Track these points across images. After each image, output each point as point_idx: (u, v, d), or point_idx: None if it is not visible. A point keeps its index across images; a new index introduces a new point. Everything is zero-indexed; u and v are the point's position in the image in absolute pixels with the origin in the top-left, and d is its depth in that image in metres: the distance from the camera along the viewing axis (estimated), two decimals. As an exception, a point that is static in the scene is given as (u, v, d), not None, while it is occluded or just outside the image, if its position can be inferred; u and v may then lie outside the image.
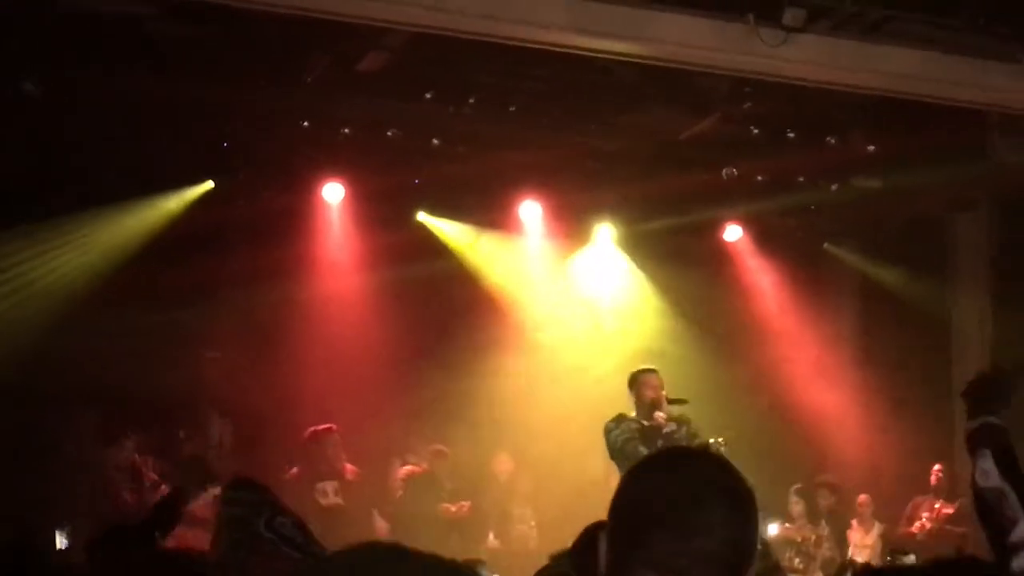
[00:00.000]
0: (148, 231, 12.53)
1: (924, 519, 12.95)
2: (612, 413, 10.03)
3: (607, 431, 9.85)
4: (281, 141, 12.23)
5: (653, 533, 2.09)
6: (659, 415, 9.73)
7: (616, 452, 9.76)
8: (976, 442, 3.40)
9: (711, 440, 9.92)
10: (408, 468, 12.87)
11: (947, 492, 12.95)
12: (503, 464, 13.39)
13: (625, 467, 9.67)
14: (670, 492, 2.12)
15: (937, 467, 13.10)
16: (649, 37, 9.50)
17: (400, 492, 12.70)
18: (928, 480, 13.18)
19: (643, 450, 9.62)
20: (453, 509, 12.59)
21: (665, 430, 9.80)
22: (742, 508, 2.13)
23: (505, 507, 13.13)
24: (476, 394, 13.85)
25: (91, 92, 10.89)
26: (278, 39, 10.45)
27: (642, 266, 15.12)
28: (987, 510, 3.31)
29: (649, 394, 9.81)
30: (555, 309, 14.98)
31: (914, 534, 12.75)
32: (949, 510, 12.83)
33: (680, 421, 9.93)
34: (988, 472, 3.34)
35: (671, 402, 9.86)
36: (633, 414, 9.93)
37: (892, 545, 12.02)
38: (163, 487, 10.63)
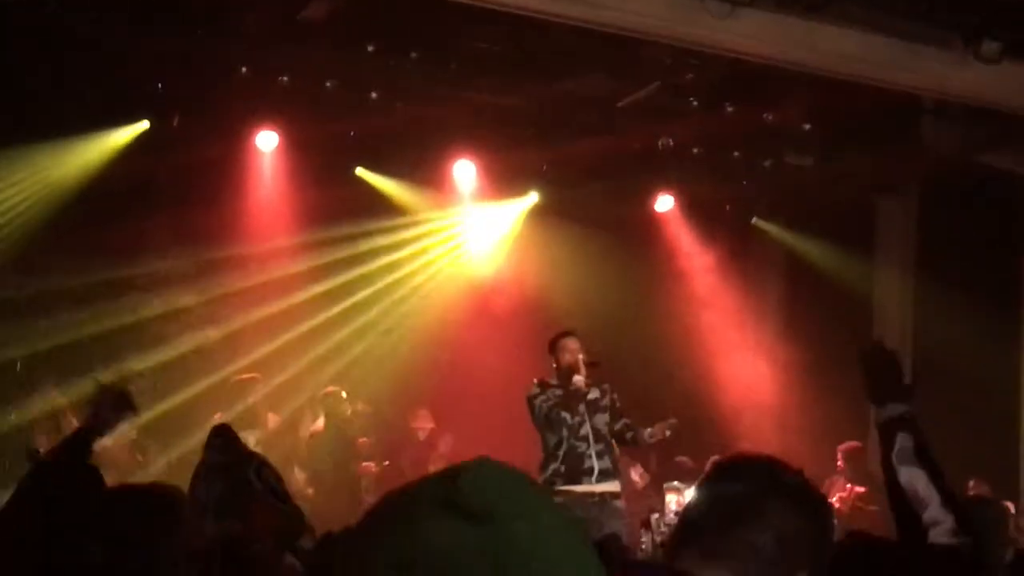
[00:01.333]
0: (80, 175, 12.32)
1: (836, 499, 13.10)
2: (532, 378, 10.07)
3: (531, 398, 9.90)
4: (217, 87, 12.06)
5: (705, 526, 2.16)
6: (578, 379, 9.74)
7: (541, 419, 9.80)
8: (893, 428, 3.46)
9: (670, 422, 9.99)
10: (315, 428, 12.66)
11: (858, 472, 13.10)
12: (422, 421, 13.36)
13: (551, 434, 9.73)
14: (731, 494, 2.19)
15: (842, 448, 13.21)
16: (597, 3, 9.49)
17: (307, 449, 12.50)
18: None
19: (566, 416, 9.70)
20: (374, 468, 12.49)
21: (589, 396, 9.86)
22: (802, 505, 2.18)
23: (424, 467, 13.09)
24: (401, 350, 13.85)
25: (18, 24, 10.65)
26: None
27: (571, 232, 15.13)
28: (899, 492, 3.39)
29: (567, 358, 9.83)
30: (481, 272, 14.98)
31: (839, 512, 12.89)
32: (861, 489, 12.98)
33: (601, 387, 9.98)
34: (904, 454, 3.41)
35: (588, 365, 9.86)
36: (554, 380, 9.96)
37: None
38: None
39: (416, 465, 12.93)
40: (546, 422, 9.74)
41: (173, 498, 3.69)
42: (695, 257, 15.44)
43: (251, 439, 11.60)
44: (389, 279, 14.22)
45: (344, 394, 12.55)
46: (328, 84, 12.07)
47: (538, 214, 14.85)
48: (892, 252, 15.20)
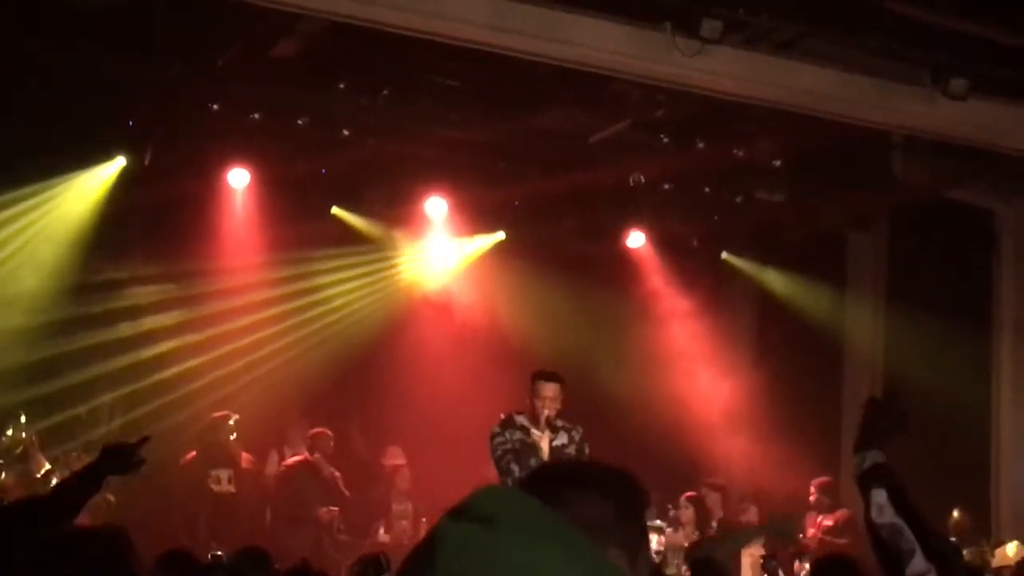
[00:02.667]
0: (66, 216, 12.36)
1: (811, 532, 13.10)
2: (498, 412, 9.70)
3: (492, 436, 9.26)
4: (189, 123, 12.06)
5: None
6: (536, 434, 9.13)
7: (494, 462, 9.27)
8: (868, 482, 3.48)
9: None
10: (287, 463, 12.52)
11: (828, 505, 13.12)
12: (393, 459, 13.31)
13: (502, 478, 9.43)
14: (534, 489, 2.14)
15: (816, 482, 13.24)
16: (566, 39, 9.53)
17: (275, 487, 12.34)
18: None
19: (515, 468, 9.05)
20: (324, 514, 12.18)
21: (555, 443, 9.21)
22: (601, 491, 2.18)
23: (388, 503, 13.02)
24: (375, 388, 13.84)
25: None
26: (192, 19, 10.32)
27: (542, 268, 15.14)
28: (883, 545, 3.41)
29: (540, 405, 9.12)
30: (454, 306, 14.98)
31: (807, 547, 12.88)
32: (829, 522, 12.99)
33: (570, 432, 9.34)
34: (883, 508, 3.42)
35: (551, 427, 9.20)
36: (522, 419, 9.31)
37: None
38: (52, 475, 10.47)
39: (380, 501, 12.86)
40: (496, 467, 9.24)
41: (123, 540, 3.71)
42: (666, 293, 15.46)
43: (223, 476, 11.58)
44: (356, 315, 14.21)
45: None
46: (300, 121, 12.09)
47: (507, 250, 14.83)
48: (863, 285, 15.28)
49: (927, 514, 3.54)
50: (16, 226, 12.25)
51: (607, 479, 2.23)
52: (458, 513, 1.51)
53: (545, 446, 9.19)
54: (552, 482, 2.18)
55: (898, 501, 3.44)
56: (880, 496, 3.44)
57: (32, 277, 12.25)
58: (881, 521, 3.42)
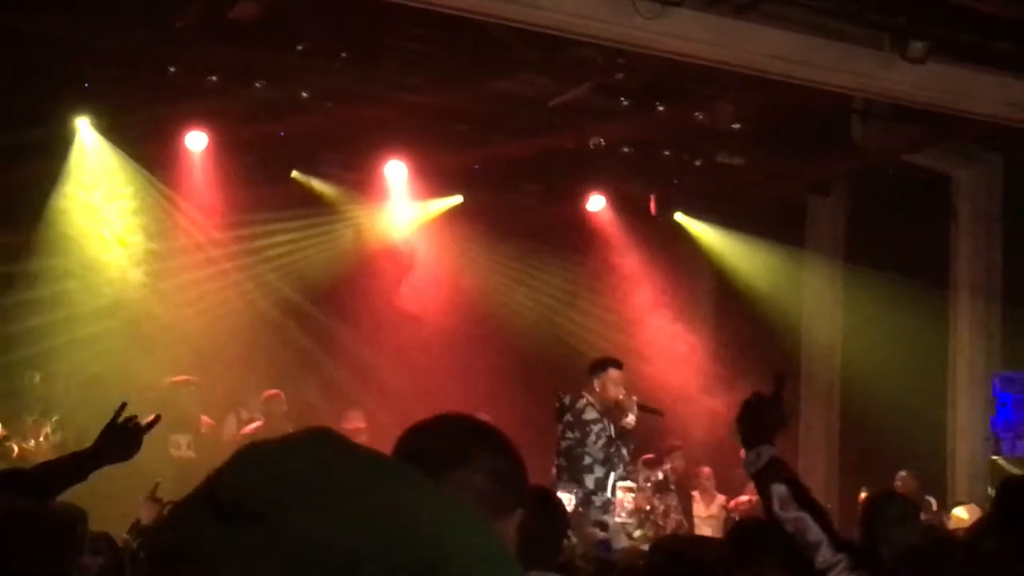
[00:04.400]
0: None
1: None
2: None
3: (589, 421, 9.61)
4: (147, 85, 11.95)
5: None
6: (630, 419, 9.62)
7: (594, 448, 9.59)
8: (766, 477, 3.52)
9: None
10: (244, 430, 12.48)
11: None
12: (353, 422, 13.26)
13: (600, 467, 9.58)
14: (438, 438, 2.20)
15: None
16: (528, 2, 9.47)
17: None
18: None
19: (624, 452, 9.76)
20: None
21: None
22: (507, 451, 2.22)
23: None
24: (334, 351, 13.82)
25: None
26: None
27: (502, 232, 15.14)
28: (789, 538, 3.45)
29: (614, 392, 9.63)
30: (415, 274, 14.95)
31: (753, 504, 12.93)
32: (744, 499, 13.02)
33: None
34: (785, 502, 3.46)
35: (644, 410, 9.83)
36: (591, 399, 9.73)
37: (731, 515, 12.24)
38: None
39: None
40: (602, 454, 9.59)
41: (76, 518, 3.66)
42: (626, 256, 15.48)
43: (183, 441, 11.52)
44: (314, 279, 14.16)
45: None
46: (258, 84, 11.99)
47: (466, 214, 14.81)
48: (822, 249, 15.36)
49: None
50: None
51: (504, 439, 2.27)
52: (211, 509, 1.20)
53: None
54: (454, 436, 2.23)
55: (798, 495, 3.48)
56: (781, 490, 3.48)
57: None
58: (785, 515, 3.46)
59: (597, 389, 9.69)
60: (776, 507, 3.46)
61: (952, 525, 11.11)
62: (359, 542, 1.15)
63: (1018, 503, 3.84)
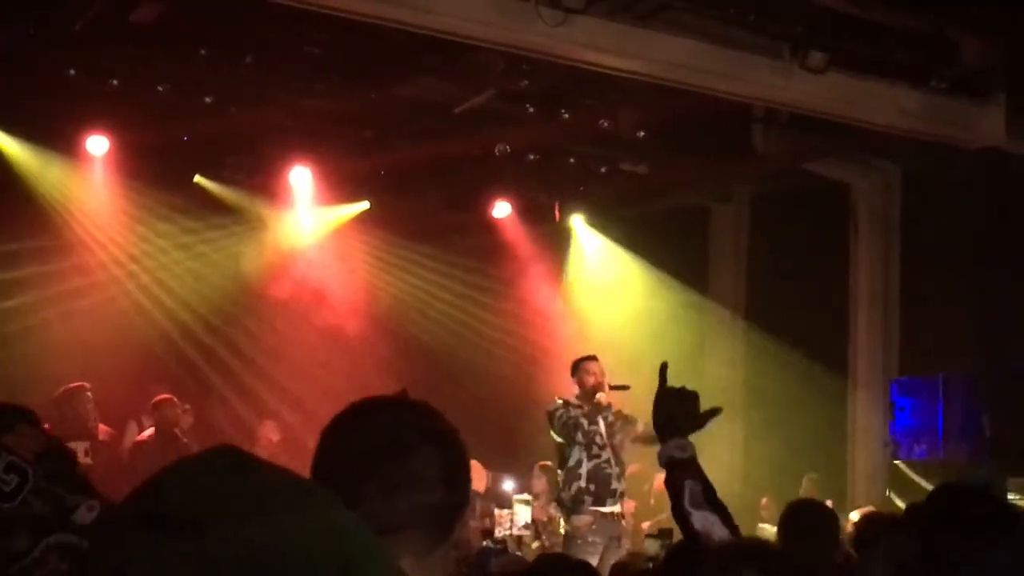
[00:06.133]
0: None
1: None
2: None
3: (552, 411, 10.02)
4: (46, 89, 11.78)
5: (361, 489, 1.99)
6: (600, 395, 9.91)
7: (560, 430, 9.94)
8: (680, 474, 3.54)
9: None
10: (140, 437, 12.29)
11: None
12: (268, 431, 13.14)
13: (570, 449, 9.82)
14: (375, 442, 2.04)
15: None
16: (429, 8, 9.48)
17: (129, 462, 12.10)
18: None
19: (584, 422, 9.90)
20: None
21: (609, 419, 10.03)
22: (452, 452, 2.08)
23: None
24: (238, 360, 13.72)
25: None
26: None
27: (408, 238, 15.15)
28: (694, 536, 3.48)
29: (590, 380, 9.97)
30: (331, 282, 14.91)
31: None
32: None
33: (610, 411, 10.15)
34: (696, 500, 3.49)
35: (613, 388, 10.01)
36: (575, 401, 10.06)
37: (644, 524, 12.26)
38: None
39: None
40: (563, 431, 9.88)
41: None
42: (531, 262, 15.55)
43: (80, 449, 11.32)
44: (223, 284, 14.06)
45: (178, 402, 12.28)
46: (160, 88, 11.86)
47: (372, 220, 14.80)
48: (725, 257, 15.52)
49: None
50: None
51: (450, 428, 2.15)
52: (145, 519, 1.22)
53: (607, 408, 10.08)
54: (398, 425, 2.09)
55: (710, 496, 3.52)
56: (695, 487, 3.51)
57: None
58: (696, 512, 3.49)
59: (577, 385, 10.05)
60: (687, 503, 3.47)
61: (848, 528, 11.27)
62: (288, 548, 1.18)
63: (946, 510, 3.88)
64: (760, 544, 3.24)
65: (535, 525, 10.84)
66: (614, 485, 9.97)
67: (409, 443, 2.04)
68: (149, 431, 11.95)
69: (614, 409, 10.07)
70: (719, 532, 3.45)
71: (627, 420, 10.08)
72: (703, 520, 3.46)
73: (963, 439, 12.29)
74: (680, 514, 3.50)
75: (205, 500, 1.21)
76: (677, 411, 3.62)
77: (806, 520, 5.80)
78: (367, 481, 1.99)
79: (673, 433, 3.58)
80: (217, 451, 1.31)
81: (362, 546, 1.25)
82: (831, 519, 5.96)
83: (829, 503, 11.52)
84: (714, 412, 3.63)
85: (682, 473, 3.52)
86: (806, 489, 12.50)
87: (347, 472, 2.01)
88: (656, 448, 3.60)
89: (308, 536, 1.20)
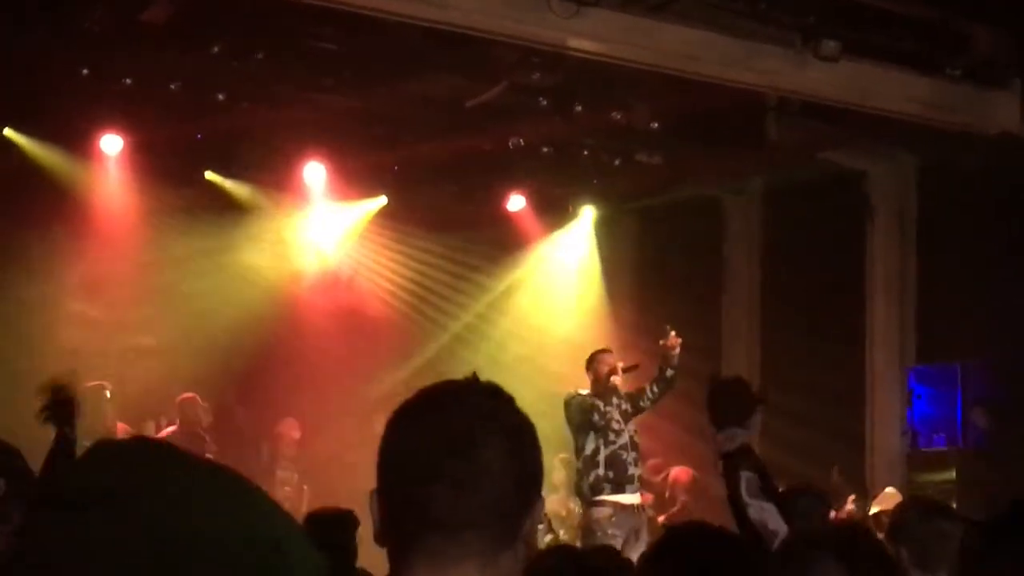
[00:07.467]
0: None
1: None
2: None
3: (568, 400, 10.19)
4: (59, 89, 11.80)
5: (429, 488, 1.89)
6: (615, 378, 10.09)
7: (575, 417, 10.10)
8: (735, 463, 3.52)
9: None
10: (162, 433, 12.32)
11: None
12: (288, 428, 13.16)
13: (584, 437, 9.98)
14: (442, 438, 1.91)
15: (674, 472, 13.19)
16: (439, 3, 9.49)
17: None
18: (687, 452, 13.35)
19: (599, 404, 10.09)
20: None
21: (622, 406, 10.21)
22: (523, 443, 1.96)
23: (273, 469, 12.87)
24: (259, 357, 13.75)
25: None
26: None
27: (424, 232, 15.16)
28: (750, 524, 3.46)
29: (604, 369, 10.15)
30: (338, 272, 14.94)
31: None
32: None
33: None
34: (752, 489, 3.47)
35: (626, 370, 10.21)
36: (590, 391, 10.21)
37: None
38: None
39: (265, 471, 12.75)
40: (581, 414, 10.03)
41: None
42: (547, 255, 15.56)
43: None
44: (241, 282, 14.07)
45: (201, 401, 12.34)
46: (173, 86, 11.87)
47: (390, 215, 14.81)
48: (739, 248, 15.48)
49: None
50: None
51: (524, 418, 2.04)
52: (51, 501, 1.23)
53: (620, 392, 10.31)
54: (465, 417, 1.94)
55: (766, 485, 3.49)
56: (750, 477, 3.49)
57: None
58: (752, 501, 3.47)
59: (591, 377, 10.22)
60: (744, 492, 3.46)
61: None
62: (213, 522, 1.18)
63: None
64: (849, 533, 3.02)
65: (547, 519, 10.74)
66: (631, 471, 10.02)
67: (474, 437, 1.91)
68: (170, 429, 12.01)
69: (623, 392, 10.23)
70: (774, 523, 3.43)
71: (635, 393, 10.32)
72: (759, 510, 3.44)
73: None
74: (735, 503, 3.47)
75: (117, 479, 1.20)
76: (727, 404, 3.61)
77: (802, 507, 5.84)
78: (435, 481, 1.89)
79: (723, 424, 3.57)
80: (138, 439, 1.33)
81: (287, 528, 1.24)
82: (823, 504, 6.03)
83: (852, 497, 11.53)
84: (758, 401, 3.63)
85: (737, 463, 3.50)
86: (835, 481, 12.42)
87: (414, 470, 1.92)
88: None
89: (227, 518, 1.19)
